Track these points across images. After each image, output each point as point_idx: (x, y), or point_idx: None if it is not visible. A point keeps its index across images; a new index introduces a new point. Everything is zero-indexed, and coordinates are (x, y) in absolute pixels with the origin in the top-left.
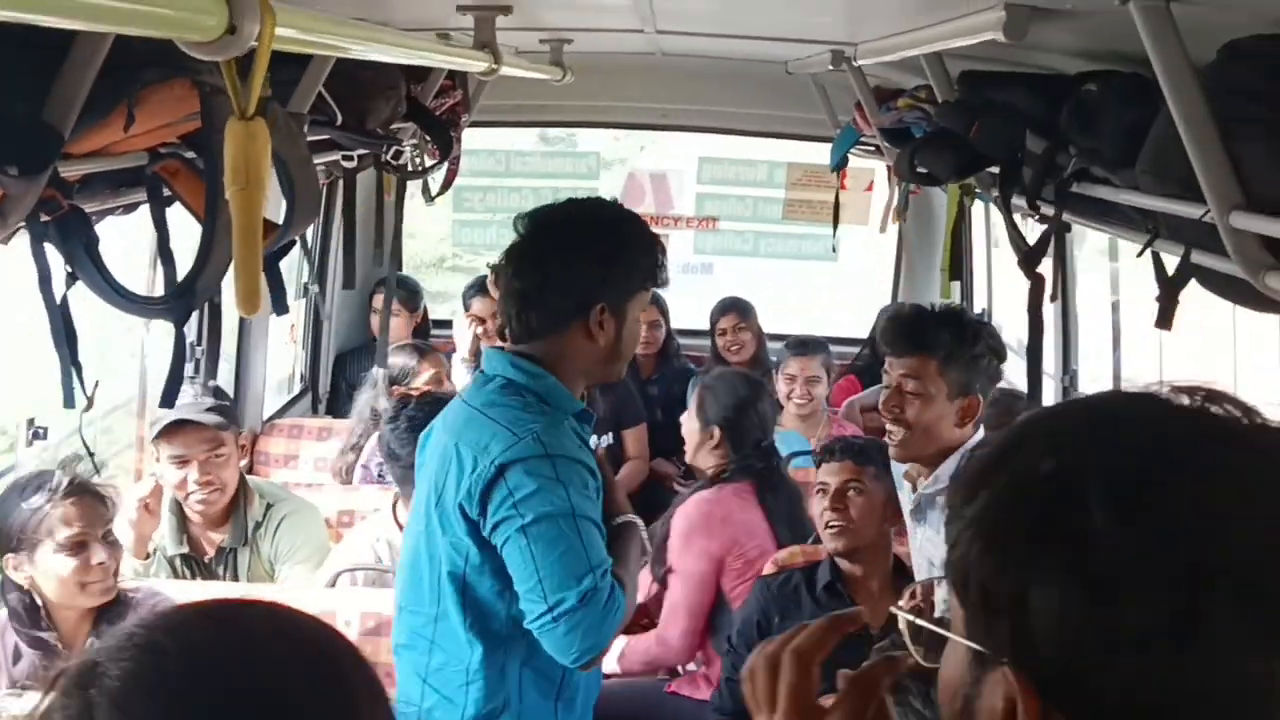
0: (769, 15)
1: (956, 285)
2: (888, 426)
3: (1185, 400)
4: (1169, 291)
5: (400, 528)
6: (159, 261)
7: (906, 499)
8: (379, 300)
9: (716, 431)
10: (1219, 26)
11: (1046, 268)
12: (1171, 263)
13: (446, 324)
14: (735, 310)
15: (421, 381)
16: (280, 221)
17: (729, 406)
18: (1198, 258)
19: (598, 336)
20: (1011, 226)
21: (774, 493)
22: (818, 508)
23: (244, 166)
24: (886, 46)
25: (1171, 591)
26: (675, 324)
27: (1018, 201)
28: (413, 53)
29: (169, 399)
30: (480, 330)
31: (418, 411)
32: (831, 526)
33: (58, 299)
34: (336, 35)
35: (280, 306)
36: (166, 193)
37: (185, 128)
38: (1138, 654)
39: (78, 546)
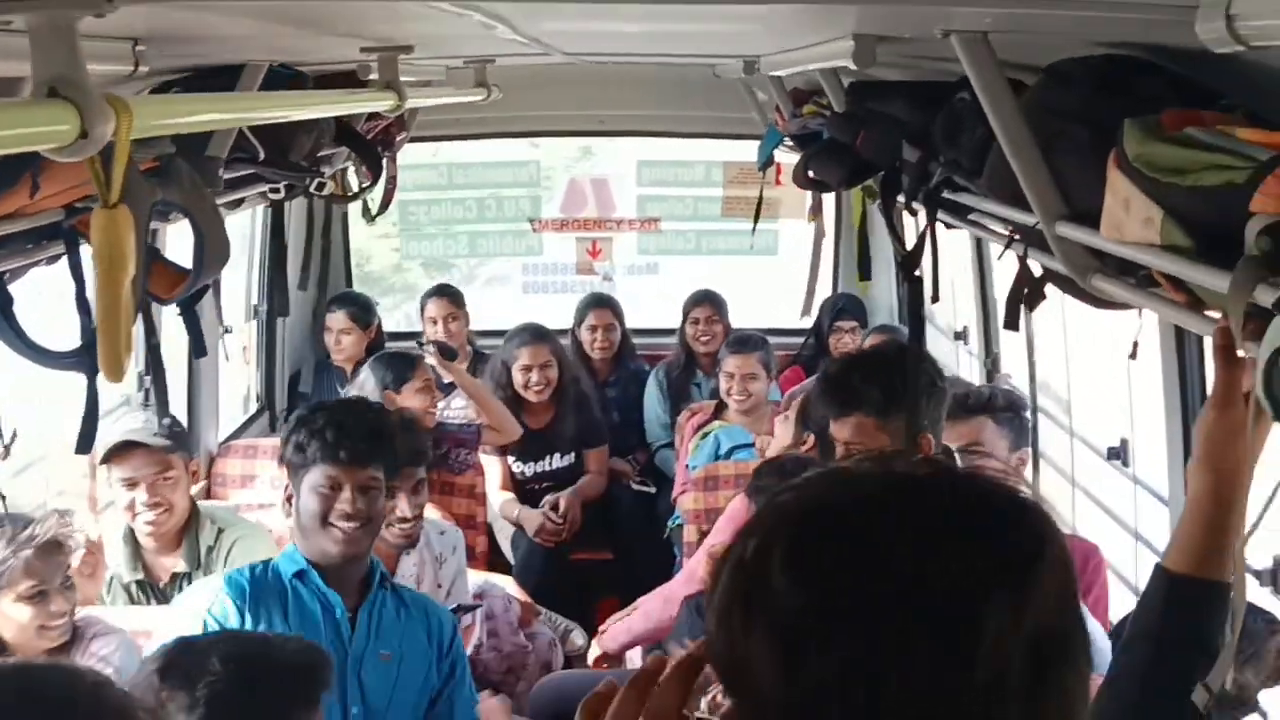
0: (676, 34)
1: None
2: None
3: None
4: (1014, 295)
5: None
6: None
7: None
8: (331, 320)
9: (811, 439)
10: (1040, 50)
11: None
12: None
13: (401, 335)
14: (709, 302)
15: (411, 389)
16: (191, 268)
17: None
18: (1040, 259)
19: None
20: (892, 230)
21: None
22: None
23: (107, 252)
24: (785, 60)
25: (843, 638)
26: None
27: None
28: (309, 109)
29: (84, 446)
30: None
31: None
32: None
33: None
34: (205, 112)
35: (199, 349)
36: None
37: (89, 189)
38: (836, 707)
39: (38, 597)
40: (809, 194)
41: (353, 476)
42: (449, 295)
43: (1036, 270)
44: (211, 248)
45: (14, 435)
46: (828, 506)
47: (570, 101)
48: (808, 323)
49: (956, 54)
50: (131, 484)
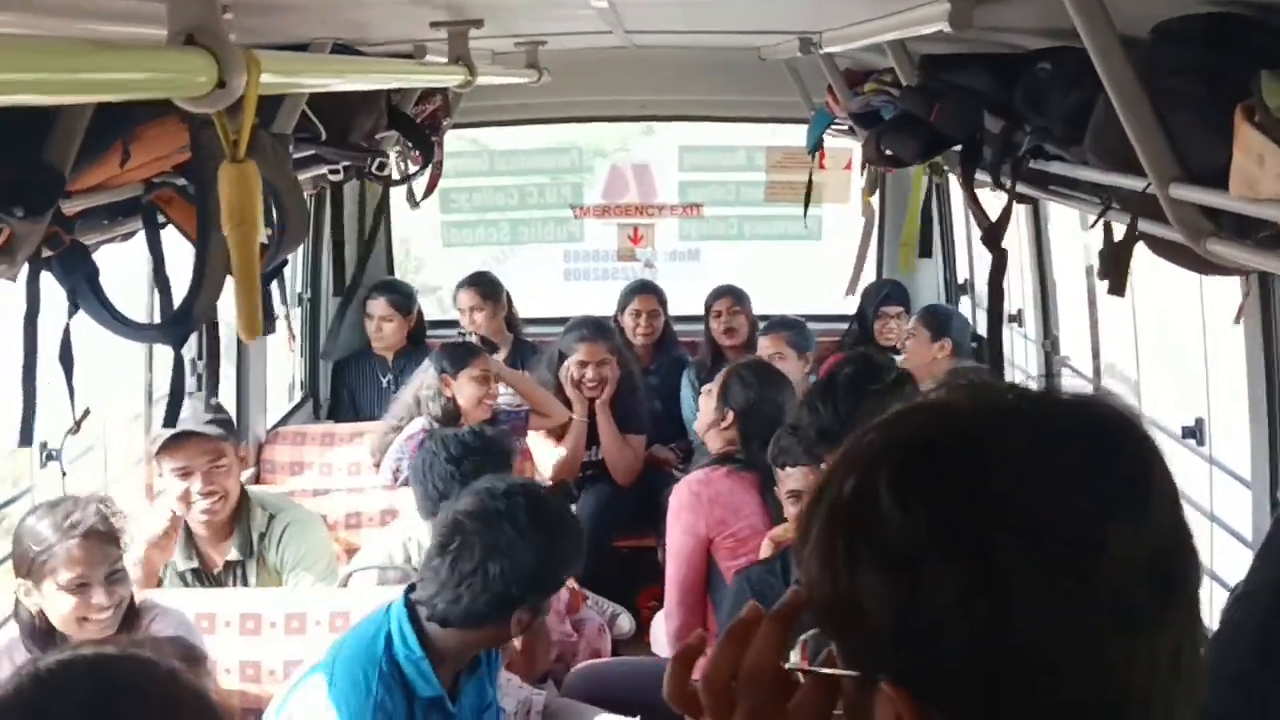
0: (735, 8)
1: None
2: None
3: (947, 395)
4: (1115, 261)
5: None
6: (157, 289)
7: None
8: (373, 306)
9: (730, 415)
10: (1152, 7)
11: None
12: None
13: (443, 324)
14: (730, 294)
15: (467, 377)
16: (269, 244)
17: (750, 396)
18: (1145, 226)
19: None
20: (974, 204)
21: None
22: (793, 510)
23: (239, 206)
24: (849, 35)
25: (963, 557)
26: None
27: (983, 178)
28: (391, 77)
29: (171, 418)
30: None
31: (459, 450)
32: None
33: (60, 328)
34: (318, 73)
35: (268, 326)
36: (161, 220)
37: (178, 159)
38: (961, 624)
39: (79, 588)
40: (854, 177)
41: None
42: (478, 285)
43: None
44: (293, 222)
45: (86, 412)
46: (934, 436)
47: (614, 87)
48: (851, 308)
49: (1062, 12)
50: (186, 473)
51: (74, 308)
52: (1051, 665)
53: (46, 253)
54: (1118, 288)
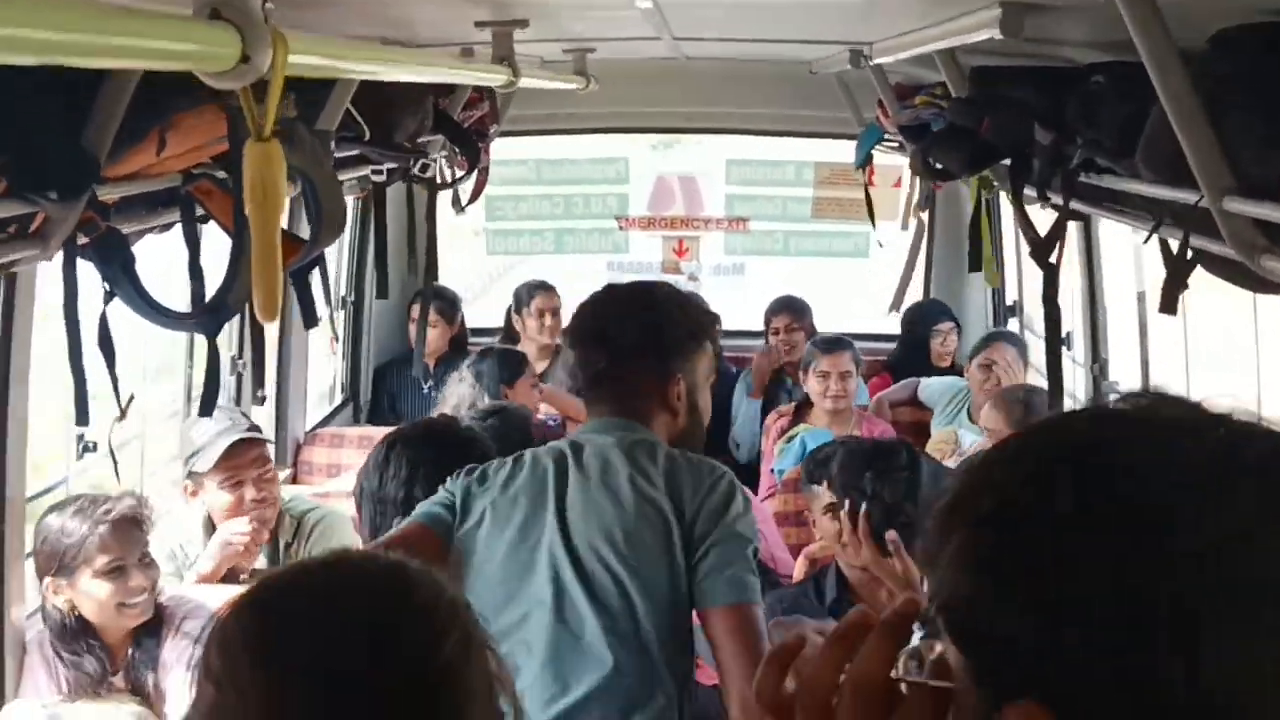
0: (784, 18)
1: (978, 276)
2: None
3: (1128, 406)
4: (1173, 277)
5: None
6: (191, 278)
7: None
8: (417, 311)
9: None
10: (1208, 16)
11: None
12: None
13: (484, 331)
14: (789, 310)
15: (525, 385)
16: (307, 238)
17: None
18: (1198, 242)
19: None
20: (1023, 218)
21: None
22: (830, 527)
23: (260, 185)
24: (899, 45)
25: (1150, 577)
26: None
27: (1032, 194)
28: (430, 70)
29: (207, 408)
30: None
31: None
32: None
33: (96, 315)
34: (351, 59)
35: (310, 319)
36: (200, 211)
37: (216, 149)
38: (1138, 651)
39: (116, 572)
40: (903, 195)
41: None
42: (552, 290)
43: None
44: (329, 215)
45: (131, 399)
46: (1119, 442)
47: (662, 98)
48: (895, 327)
49: (1116, 22)
50: (237, 483)
51: (110, 295)
52: (1230, 706)
53: (82, 240)
54: (1169, 306)
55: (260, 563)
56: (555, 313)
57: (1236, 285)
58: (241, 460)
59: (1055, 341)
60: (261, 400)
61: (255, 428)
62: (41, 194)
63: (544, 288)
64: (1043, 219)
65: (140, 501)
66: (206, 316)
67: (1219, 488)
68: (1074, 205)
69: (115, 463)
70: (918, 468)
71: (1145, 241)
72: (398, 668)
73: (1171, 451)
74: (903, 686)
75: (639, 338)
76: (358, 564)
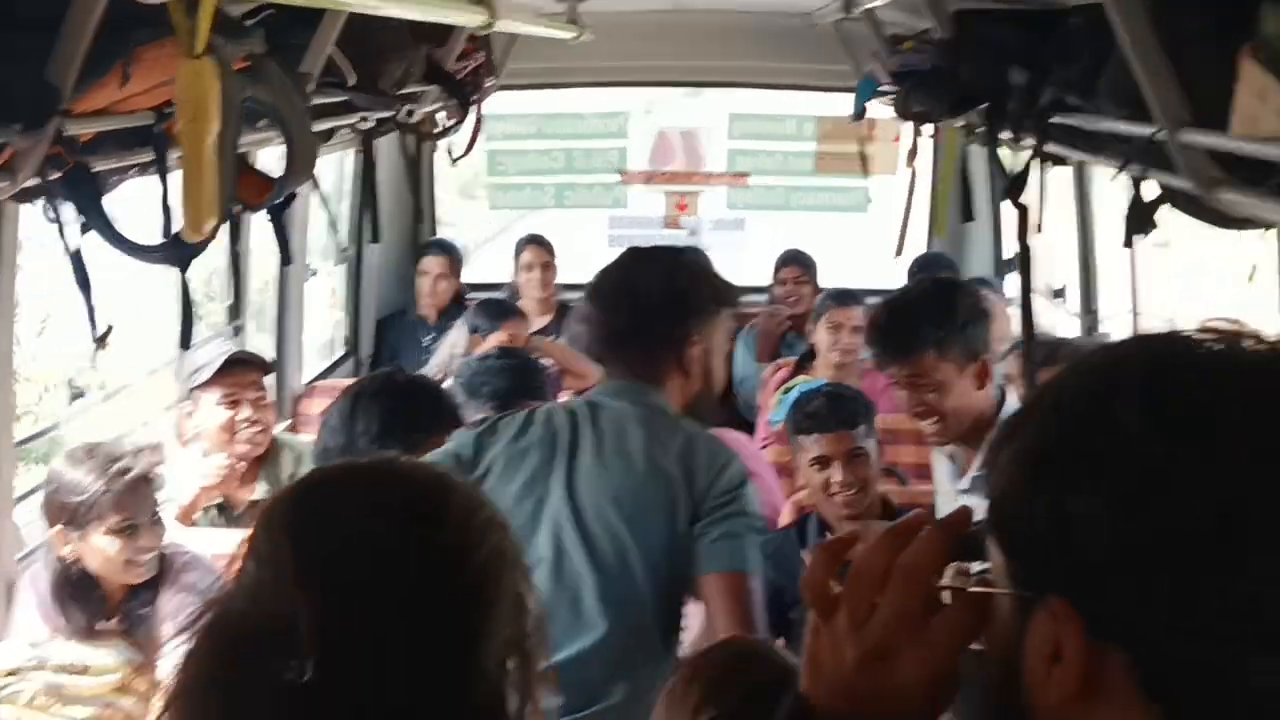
0: None
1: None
2: (923, 425)
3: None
4: (1134, 213)
5: None
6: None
7: (945, 471)
8: (428, 263)
9: None
10: None
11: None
12: (1151, 190)
13: (483, 287)
14: (797, 263)
15: (497, 338)
16: (280, 175)
17: None
18: (1161, 178)
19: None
20: (994, 159)
21: None
22: (817, 477)
23: (190, 102)
24: None
25: (1206, 490)
26: None
27: (1009, 136)
28: (403, 6)
29: (184, 340)
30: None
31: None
32: (849, 501)
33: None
34: None
35: (286, 257)
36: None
37: None
38: (1181, 557)
39: (128, 531)
40: (903, 149)
41: None
42: (545, 244)
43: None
44: (300, 151)
45: (109, 329)
46: (1182, 361)
47: (662, 52)
48: (895, 281)
49: None
50: (234, 402)
51: (85, 229)
52: (1259, 624)
53: (54, 175)
54: (1128, 241)
55: (260, 492)
56: (545, 266)
57: (1205, 222)
58: (241, 380)
59: (1027, 282)
60: (236, 331)
61: (257, 357)
62: (5, 126)
63: (533, 241)
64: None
65: (155, 456)
66: (175, 249)
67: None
68: (1049, 147)
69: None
70: None
71: (1113, 179)
72: (427, 569)
73: (1229, 373)
74: (945, 597)
75: (663, 298)
76: (404, 467)
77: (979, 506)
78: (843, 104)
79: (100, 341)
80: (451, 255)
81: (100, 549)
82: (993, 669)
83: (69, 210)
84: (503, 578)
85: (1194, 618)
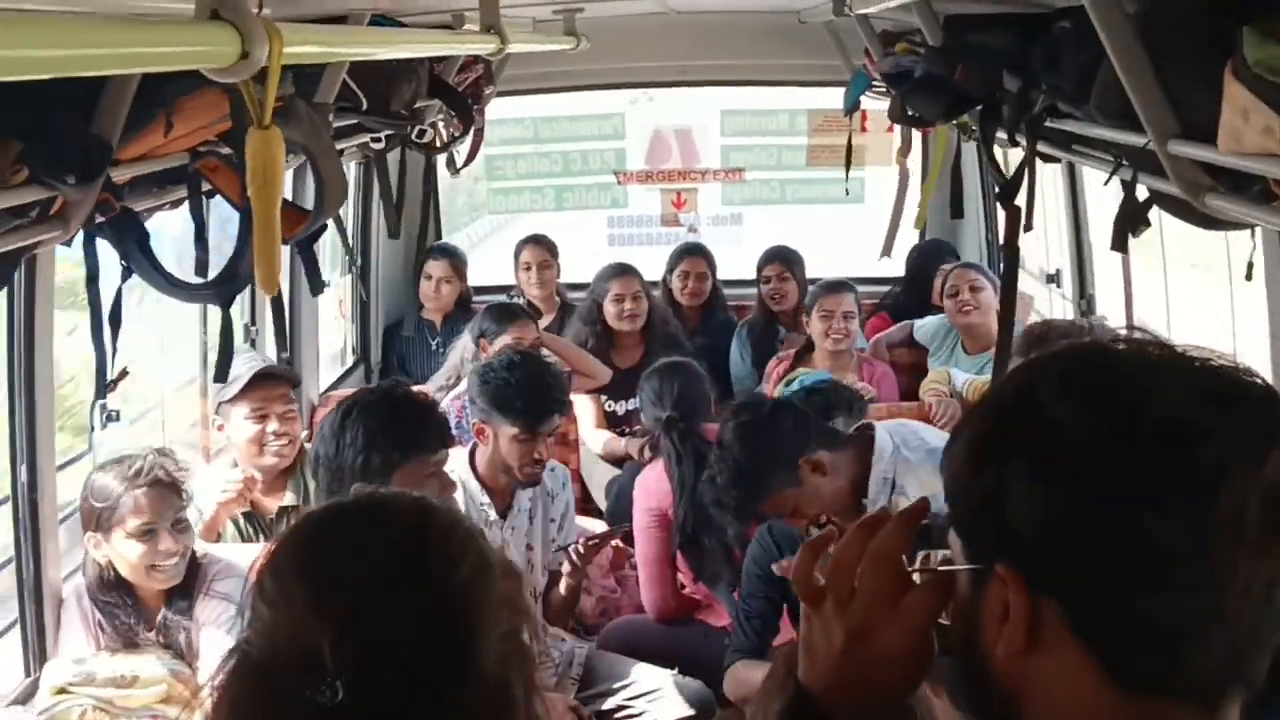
0: None
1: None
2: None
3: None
4: (1125, 216)
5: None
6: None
7: None
8: (432, 268)
9: None
10: None
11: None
12: (1143, 191)
13: (488, 289)
14: (780, 259)
15: (501, 344)
16: (311, 209)
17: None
18: (1152, 183)
19: None
20: (991, 163)
21: None
22: None
23: (261, 170)
24: None
25: (1116, 459)
26: None
27: (1003, 138)
28: (419, 46)
29: (221, 374)
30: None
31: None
32: None
33: (113, 291)
34: (343, 44)
35: (316, 286)
36: (207, 187)
37: (220, 127)
38: (1107, 520)
39: (147, 534)
40: (896, 141)
41: (426, 466)
42: (543, 243)
43: (1141, 197)
44: (330, 187)
45: (123, 372)
46: (1095, 357)
47: (654, 53)
48: (892, 270)
49: None
50: (262, 416)
51: (127, 272)
52: (1168, 573)
53: (99, 219)
54: (1119, 244)
55: (289, 499)
56: (545, 265)
57: (1190, 223)
58: (270, 394)
59: (1012, 281)
60: (286, 361)
61: (286, 370)
62: (60, 179)
63: (530, 241)
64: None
65: (174, 463)
66: (220, 287)
67: (1183, 401)
68: (1041, 148)
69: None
70: None
71: (1105, 183)
72: (421, 584)
73: (1135, 370)
74: (916, 578)
75: None
76: (385, 498)
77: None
78: (832, 97)
79: (113, 384)
80: (454, 259)
81: (123, 553)
82: (956, 640)
83: (107, 251)
84: (488, 581)
85: (1102, 566)
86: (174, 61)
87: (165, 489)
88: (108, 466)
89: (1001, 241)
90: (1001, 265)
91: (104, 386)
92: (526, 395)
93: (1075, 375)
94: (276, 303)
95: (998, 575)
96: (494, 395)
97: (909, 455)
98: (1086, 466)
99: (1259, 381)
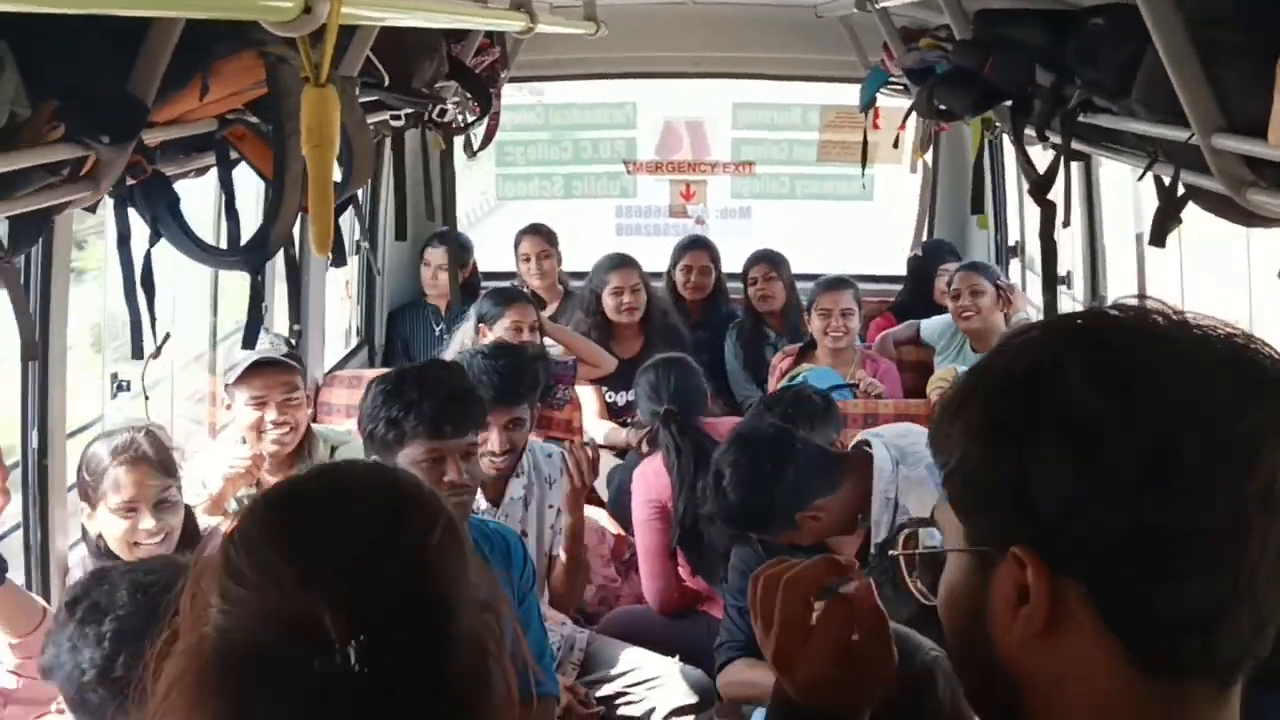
0: None
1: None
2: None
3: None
4: (1165, 211)
5: None
6: (224, 219)
7: None
8: (431, 255)
9: None
10: None
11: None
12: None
13: (496, 275)
14: (766, 261)
15: (501, 327)
16: (339, 179)
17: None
18: (1189, 178)
19: None
20: (1023, 157)
21: None
22: None
23: (318, 128)
24: None
25: (1148, 438)
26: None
27: (1032, 134)
28: (457, 17)
29: (249, 341)
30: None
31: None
32: None
33: (140, 256)
34: (391, 7)
35: (339, 259)
36: (234, 155)
37: (250, 95)
38: (1130, 499)
39: (127, 511)
40: (906, 137)
41: (457, 447)
42: (542, 233)
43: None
44: (361, 157)
45: (167, 336)
46: (1118, 332)
47: (670, 43)
48: (898, 269)
49: None
50: (261, 403)
51: (156, 236)
52: (1199, 557)
53: (130, 182)
54: (1159, 239)
55: None
56: (544, 255)
57: (1226, 219)
58: (270, 382)
59: (1051, 278)
60: (297, 334)
61: (293, 357)
62: (95, 138)
63: (528, 231)
64: (1042, 159)
65: (163, 441)
66: (250, 254)
67: (1209, 376)
68: (1073, 145)
69: (146, 398)
70: None
71: (1140, 178)
72: (403, 550)
73: (1169, 342)
74: (901, 561)
75: None
76: (346, 467)
77: None
78: (845, 93)
79: (157, 350)
80: (455, 246)
81: (107, 527)
82: (954, 627)
83: (136, 216)
84: (462, 543)
85: (1130, 550)
86: (239, 10)
87: (150, 467)
88: (103, 439)
89: (1010, 241)
90: (1012, 263)
91: (140, 344)
92: (488, 379)
93: (1100, 353)
94: (292, 272)
95: (1013, 557)
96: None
97: (909, 473)
98: (1115, 447)
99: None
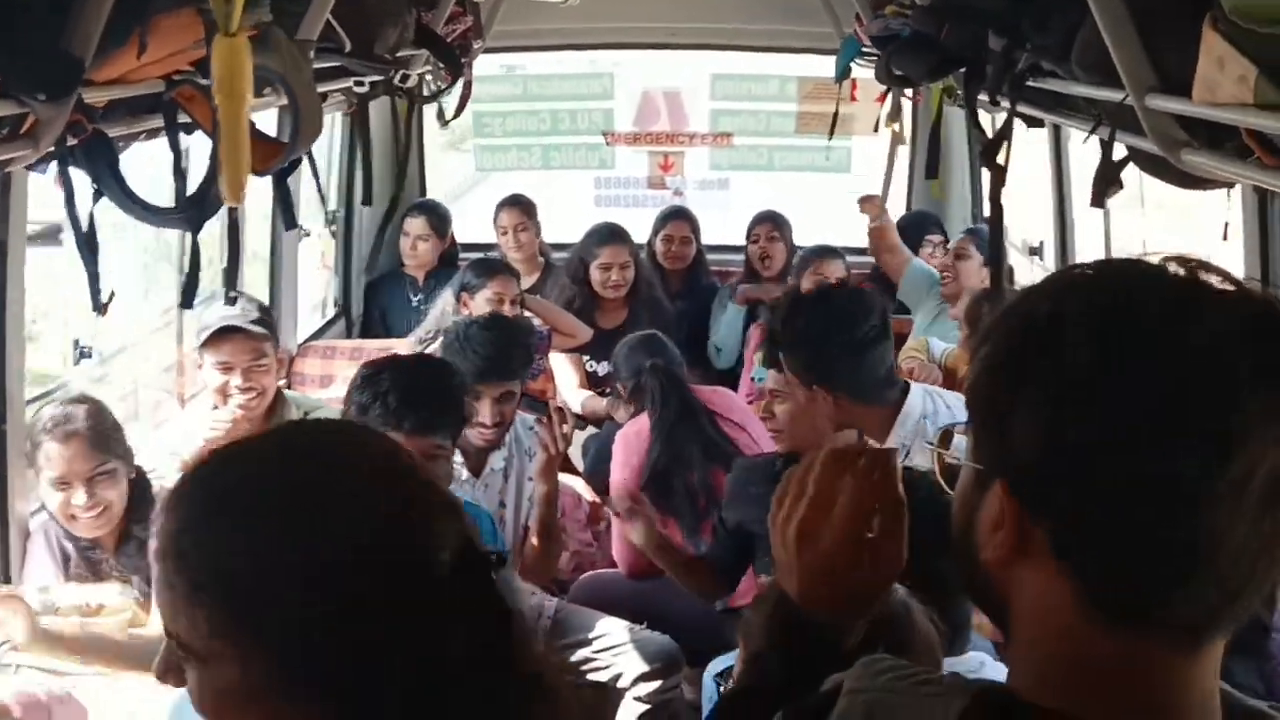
0: None
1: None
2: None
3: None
4: (1102, 173)
5: None
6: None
7: None
8: (410, 225)
9: None
10: None
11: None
12: (1120, 151)
13: (475, 247)
14: (770, 221)
15: (482, 298)
16: (287, 140)
17: None
18: (1127, 139)
19: None
20: (974, 121)
21: None
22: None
23: (228, 78)
24: None
25: (1139, 405)
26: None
27: (985, 99)
28: None
29: (187, 300)
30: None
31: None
32: (770, 432)
33: (84, 216)
34: None
35: (289, 221)
36: (183, 118)
37: (195, 55)
38: (1109, 464)
39: (60, 485)
40: (883, 107)
41: (415, 445)
42: (520, 205)
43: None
44: (306, 118)
45: (112, 295)
46: (1130, 292)
47: (645, 14)
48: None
49: None
50: (227, 368)
51: (97, 195)
52: (1165, 524)
53: (71, 141)
54: (1097, 200)
55: None
56: (521, 228)
57: (1167, 182)
58: (236, 348)
59: (998, 241)
60: (232, 301)
61: (263, 322)
62: (30, 94)
63: (506, 203)
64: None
65: (103, 415)
66: (189, 212)
67: (1214, 342)
68: (1024, 109)
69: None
70: None
71: (1085, 141)
72: (406, 488)
73: (1170, 304)
74: (931, 456)
75: None
76: (313, 423)
77: None
78: (822, 64)
79: (103, 308)
80: (433, 216)
81: (46, 497)
82: (955, 527)
83: (80, 176)
84: (438, 481)
85: (1098, 507)
86: None
87: (85, 442)
88: (51, 407)
89: (985, 211)
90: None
91: (98, 299)
92: (481, 350)
93: (1104, 312)
94: (233, 232)
95: (999, 484)
96: (449, 347)
97: (929, 427)
98: (1100, 408)
99: None
